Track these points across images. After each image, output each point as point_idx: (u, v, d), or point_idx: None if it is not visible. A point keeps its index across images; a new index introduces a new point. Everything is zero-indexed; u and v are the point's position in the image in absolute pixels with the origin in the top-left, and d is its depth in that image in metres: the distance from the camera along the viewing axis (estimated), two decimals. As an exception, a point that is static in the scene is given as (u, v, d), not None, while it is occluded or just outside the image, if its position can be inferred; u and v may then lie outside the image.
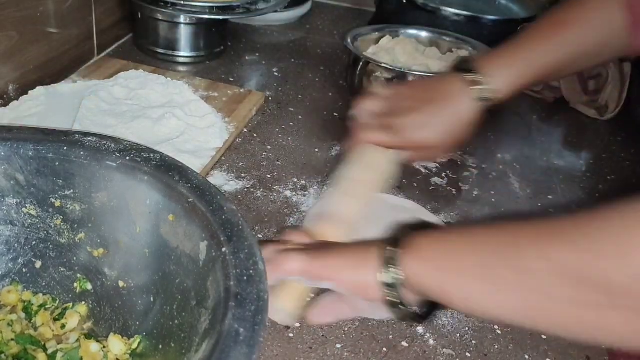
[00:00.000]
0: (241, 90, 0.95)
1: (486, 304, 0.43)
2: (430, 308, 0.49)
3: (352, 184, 0.63)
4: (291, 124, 0.92)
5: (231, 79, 1.02)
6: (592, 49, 0.67)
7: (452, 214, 0.78)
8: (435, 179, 0.84)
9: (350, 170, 0.64)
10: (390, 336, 0.59)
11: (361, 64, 0.92)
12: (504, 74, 0.65)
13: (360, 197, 0.62)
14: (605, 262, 0.37)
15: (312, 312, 0.52)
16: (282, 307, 0.51)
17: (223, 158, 0.81)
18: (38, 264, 0.56)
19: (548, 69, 0.66)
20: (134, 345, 0.52)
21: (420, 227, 0.49)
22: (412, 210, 0.76)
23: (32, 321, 0.55)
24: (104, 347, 0.52)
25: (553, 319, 0.40)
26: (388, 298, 0.46)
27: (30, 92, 0.82)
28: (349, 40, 0.95)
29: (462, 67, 0.67)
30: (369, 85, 0.91)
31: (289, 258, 0.50)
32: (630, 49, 0.67)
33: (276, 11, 1.09)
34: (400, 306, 0.47)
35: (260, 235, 0.69)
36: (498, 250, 0.42)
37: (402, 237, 0.47)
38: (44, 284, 0.57)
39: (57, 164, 0.54)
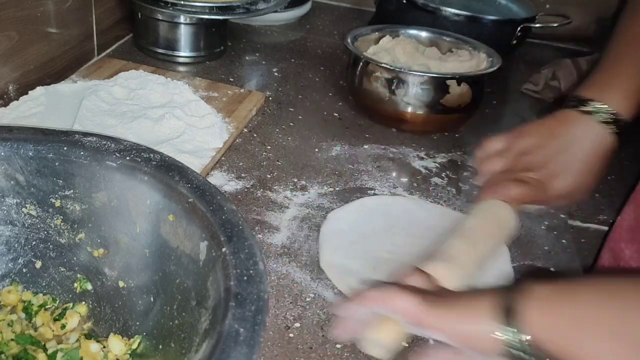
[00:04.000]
0: (241, 90, 0.95)
1: None
2: None
3: (476, 233, 0.59)
4: (291, 124, 0.92)
5: (231, 79, 1.02)
6: None
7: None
8: (435, 179, 0.84)
9: (475, 220, 0.61)
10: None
11: (361, 64, 0.92)
12: (619, 96, 0.63)
13: (482, 247, 0.58)
14: None
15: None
16: (380, 341, 0.48)
17: (223, 158, 0.81)
18: (38, 264, 0.56)
19: None
20: (134, 345, 0.52)
21: (533, 276, 0.47)
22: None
23: (32, 321, 0.55)
24: (104, 347, 0.52)
25: None
26: (509, 350, 0.42)
27: (30, 92, 0.82)
28: (349, 40, 0.95)
29: (572, 103, 0.65)
30: (369, 85, 0.92)
31: (401, 296, 0.47)
32: None
33: (276, 11, 1.09)
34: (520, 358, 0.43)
35: (260, 236, 0.69)
36: (632, 314, 0.39)
37: (519, 285, 0.44)
38: (44, 284, 0.57)
39: (57, 164, 0.54)
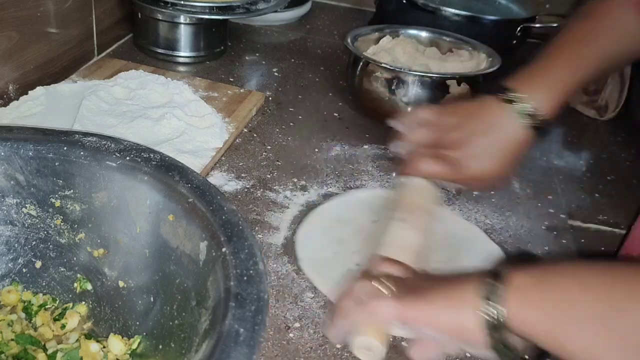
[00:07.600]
0: (241, 90, 0.95)
1: (604, 358, 0.40)
2: (539, 353, 0.44)
3: (411, 214, 0.63)
4: (291, 124, 0.92)
5: (231, 79, 1.02)
6: (616, 56, 0.68)
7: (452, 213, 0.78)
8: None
9: (405, 199, 0.64)
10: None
11: (361, 64, 0.92)
12: (543, 92, 0.65)
13: (421, 226, 0.62)
14: None
15: (414, 349, 0.49)
16: (369, 344, 0.49)
17: (223, 158, 0.81)
18: (38, 264, 0.56)
19: (580, 82, 0.67)
20: (134, 345, 0.52)
21: (518, 261, 0.47)
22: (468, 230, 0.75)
23: (32, 321, 0.55)
24: (104, 347, 0.52)
25: None
26: (491, 341, 0.43)
27: (30, 92, 0.82)
28: (349, 40, 0.95)
29: (500, 91, 0.66)
30: (369, 85, 0.92)
31: (382, 305, 0.48)
32: None
33: (276, 11, 1.09)
34: (505, 350, 0.44)
35: (260, 236, 0.69)
36: (618, 300, 0.40)
37: (501, 273, 0.44)
38: (44, 284, 0.57)
39: (57, 164, 0.54)
